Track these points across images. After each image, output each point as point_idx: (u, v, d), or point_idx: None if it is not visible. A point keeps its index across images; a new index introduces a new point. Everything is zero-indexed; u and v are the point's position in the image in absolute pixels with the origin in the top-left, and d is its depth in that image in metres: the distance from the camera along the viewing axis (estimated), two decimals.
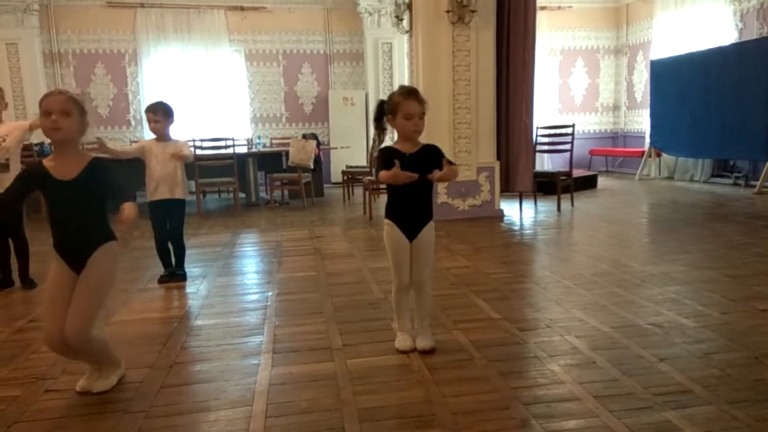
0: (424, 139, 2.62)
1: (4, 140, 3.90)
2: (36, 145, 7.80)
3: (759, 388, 2.19)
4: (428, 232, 2.61)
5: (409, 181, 2.46)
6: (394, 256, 2.62)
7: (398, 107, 2.52)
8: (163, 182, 3.95)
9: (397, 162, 2.45)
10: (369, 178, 6.97)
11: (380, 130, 2.68)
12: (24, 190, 2.30)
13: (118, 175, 2.32)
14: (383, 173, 2.51)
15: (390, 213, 2.62)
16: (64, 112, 2.18)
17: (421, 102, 2.53)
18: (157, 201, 4.00)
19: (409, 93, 2.54)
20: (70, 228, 2.24)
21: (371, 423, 2.03)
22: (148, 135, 4.04)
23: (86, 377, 2.37)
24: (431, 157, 2.58)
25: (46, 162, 2.24)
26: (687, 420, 1.96)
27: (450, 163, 2.54)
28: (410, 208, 2.59)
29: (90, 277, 2.23)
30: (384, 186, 2.61)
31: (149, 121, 3.93)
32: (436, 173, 2.57)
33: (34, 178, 2.26)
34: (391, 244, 2.62)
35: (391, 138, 2.74)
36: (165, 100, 4.03)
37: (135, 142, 8.18)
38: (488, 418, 2.04)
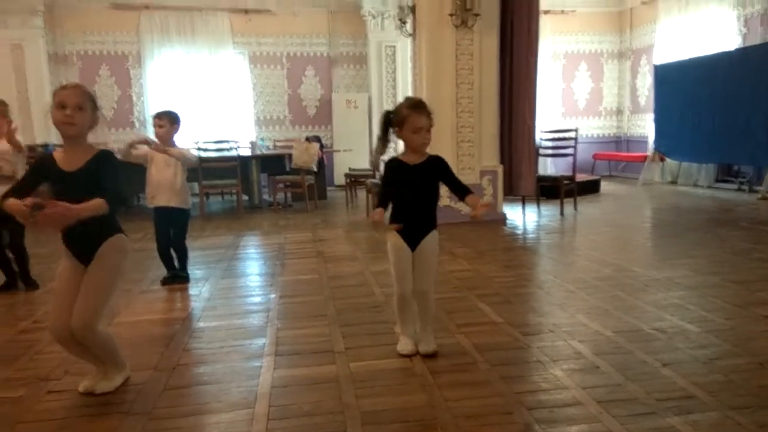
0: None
1: (5, 154, 3.93)
2: (41, 146, 7.84)
3: (763, 394, 2.18)
4: (431, 241, 2.61)
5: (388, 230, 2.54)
6: (396, 264, 2.62)
7: (406, 120, 2.51)
8: (161, 189, 3.96)
9: (392, 226, 2.53)
10: (372, 181, 6.97)
11: (384, 142, 2.64)
12: (34, 180, 2.30)
13: (120, 174, 2.32)
14: (378, 211, 2.54)
15: (394, 222, 2.62)
16: (79, 106, 2.19)
17: (428, 115, 2.53)
18: (158, 208, 4.01)
19: (416, 106, 2.54)
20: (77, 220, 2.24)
21: (373, 426, 2.02)
22: (154, 140, 4.04)
23: (90, 378, 2.38)
24: (436, 170, 2.60)
25: (56, 154, 2.26)
26: (690, 426, 1.95)
27: (462, 193, 2.63)
28: (413, 218, 2.59)
29: (97, 270, 2.25)
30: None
31: (155, 127, 3.96)
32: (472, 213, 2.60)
33: (42, 168, 2.27)
34: (393, 252, 2.62)
35: (394, 149, 2.74)
36: (172, 107, 4.07)
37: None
38: (491, 422, 2.03)
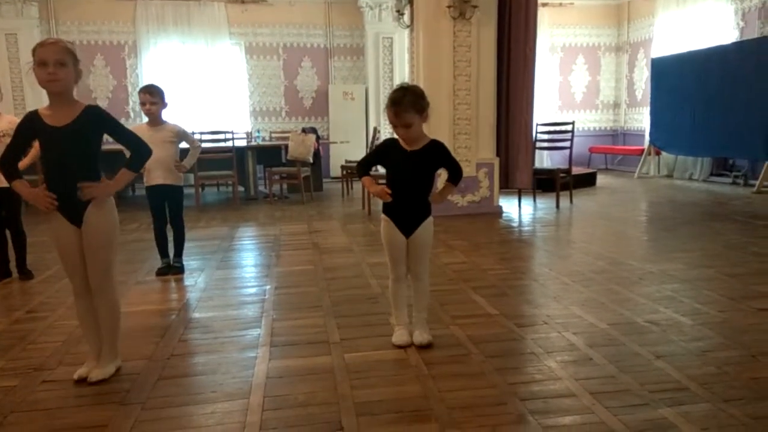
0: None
1: (4, 135, 3.90)
2: None
3: (755, 386, 2.20)
4: (425, 229, 2.61)
5: (384, 199, 2.54)
6: (390, 252, 2.64)
7: (387, 113, 2.52)
8: (158, 167, 3.90)
9: (382, 187, 2.52)
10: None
11: None
12: (23, 140, 2.31)
13: (120, 125, 2.36)
14: (366, 179, 2.61)
15: (387, 209, 2.62)
16: (60, 62, 2.17)
17: (399, 114, 2.43)
18: (153, 186, 3.99)
19: (392, 102, 2.47)
20: (63, 177, 2.24)
21: (368, 417, 2.03)
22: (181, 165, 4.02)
23: (84, 366, 2.38)
24: (436, 155, 2.58)
25: (41, 110, 2.25)
26: (683, 417, 1.97)
27: (452, 180, 2.63)
28: (407, 205, 2.59)
29: (95, 239, 2.29)
30: (383, 182, 2.61)
31: (144, 104, 3.86)
32: (435, 194, 2.63)
33: (29, 127, 2.26)
34: (386, 239, 2.63)
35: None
36: (168, 99, 4.00)
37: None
38: (485, 413, 2.04)
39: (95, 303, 2.37)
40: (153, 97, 3.85)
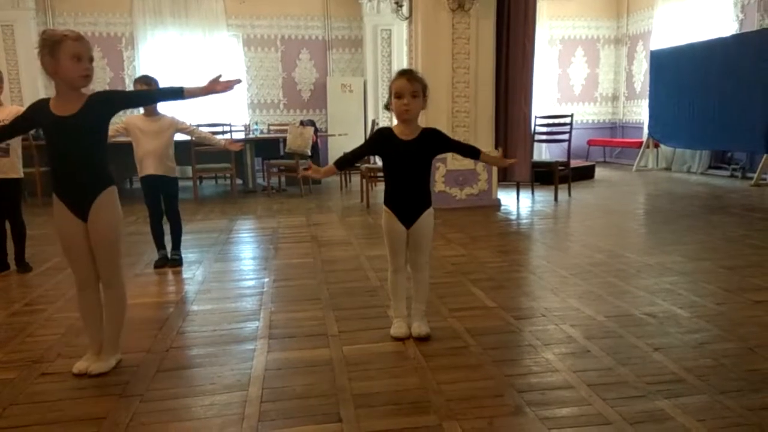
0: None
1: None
2: None
3: (751, 378, 2.21)
4: (426, 219, 2.60)
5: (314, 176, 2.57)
6: (390, 242, 2.64)
7: (391, 88, 2.51)
8: (150, 156, 3.90)
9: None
10: (366, 165, 6.95)
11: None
12: (25, 120, 2.32)
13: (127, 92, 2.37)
14: (329, 168, 2.61)
15: (387, 200, 2.61)
16: (92, 58, 2.21)
17: (411, 80, 2.47)
18: (146, 177, 3.98)
19: (401, 72, 2.53)
20: (70, 167, 2.24)
21: (366, 409, 2.03)
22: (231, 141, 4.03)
23: (84, 359, 2.38)
24: (432, 142, 2.57)
25: (51, 100, 2.25)
26: (680, 409, 1.98)
27: (472, 155, 2.64)
28: (407, 196, 2.58)
29: (102, 233, 2.28)
30: (381, 174, 2.61)
31: None
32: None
33: (36, 111, 2.26)
34: (387, 231, 2.62)
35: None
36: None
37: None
38: (482, 405, 2.05)
39: (105, 296, 2.38)
40: (150, 86, 3.84)
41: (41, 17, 9.28)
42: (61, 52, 2.13)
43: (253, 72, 10.26)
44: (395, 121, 2.63)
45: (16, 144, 3.95)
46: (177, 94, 2.42)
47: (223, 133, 7.38)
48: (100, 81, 9.66)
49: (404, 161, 2.54)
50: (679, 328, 2.73)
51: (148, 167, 3.94)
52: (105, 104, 2.27)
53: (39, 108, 2.25)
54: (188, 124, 4.32)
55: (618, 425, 1.89)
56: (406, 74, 2.50)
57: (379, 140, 2.61)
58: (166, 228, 4.17)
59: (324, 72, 10.51)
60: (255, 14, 10.06)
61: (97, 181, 2.27)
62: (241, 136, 8.32)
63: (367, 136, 8.55)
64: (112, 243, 2.32)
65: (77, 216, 2.27)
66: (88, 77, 2.19)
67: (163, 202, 4.08)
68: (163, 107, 4.04)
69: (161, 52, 9.70)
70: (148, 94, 2.32)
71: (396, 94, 2.48)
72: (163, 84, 3.93)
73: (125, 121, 4.02)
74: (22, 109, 4.00)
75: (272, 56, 10.30)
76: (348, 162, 2.73)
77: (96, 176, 2.27)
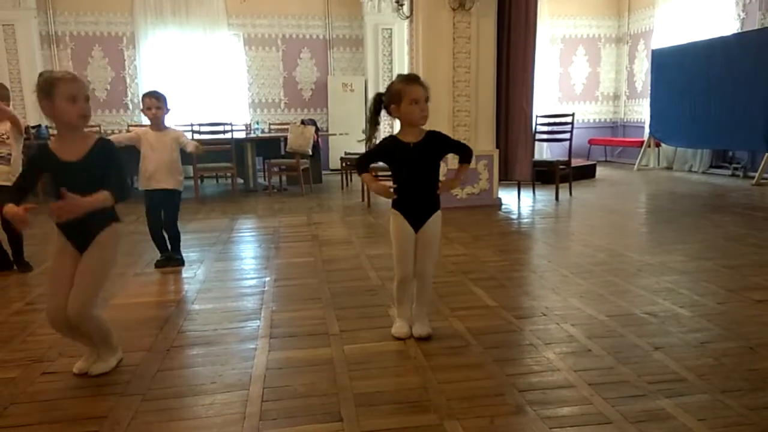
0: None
1: (7, 137, 3.89)
2: (33, 127, 7.77)
3: (752, 377, 2.20)
4: (434, 222, 2.60)
5: (387, 196, 2.56)
6: (399, 246, 2.60)
7: (402, 93, 2.49)
8: (158, 171, 3.93)
9: (383, 184, 2.55)
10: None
11: (374, 125, 2.66)
12: (35, 173, 2.29)
13: (123, 166, 2.32)
14: (366, 176, 2.61)
15: (396, 203, 2.61)
16: (88, 98, 2.19)
17: (423, 86, 2.51)
18: (153, 191, 3.99)
19: (411, 79, 2.53)
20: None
21: (367, 408, 2.04)
22: (147, 120, 4.02)
23: (84, 359, 2.38)
24: (437, 144, 2.58)
25: (51, 144, 2.24)
26: (681, 408, 1.97)
27: (464, 160, 2.62)
28: (416, 198, 2.58)
29: (93, 258, 2.24)
30: (382, 174, 2.61)
31: (149, 108, 3.90)
32: (445, 181, 2.64)
33: (40, 160, 2.24)
34: (396, 233, 2.60)
35: (391, 130, 2.73)
36: (166, 89, 4.09)
37: (133, 126, 8.14)
38: (483, 404, 2.05)
39: (75, 324, 2.26)
40: (159, 101, 3.90)
41: (42, 17, 9.28)
42: (56, 94, 2.12)
43: (254, 71, 10.26)
44: (396, 126, 2.63)
45: (16, 153, 3.97)
46: (123, 197, 2.29)
47: (224, 132, 7.39)
48: (102, 81, 9.68)
49: (412, 165, 2.54)
50: (680, 327, 2.73)
51: (159, 182, 3.95)
52: (107, 156, 2.25)
53: (41, 156, 2.23)
54: (189, 139, 4.29)
55: (619, 424, 1.89)
56: (417, 80, 2.52)
57: (386, 149, 2.60)
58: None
59: (325, 71, 10.50)
60: (256, 13, 10.06)
61: (102, 219, 2.26)
62: (242, 135, 8.31)
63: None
64: (98, 269, 2.25)
65: (76, 248, 2.25)
66: (85, 117, 2.17)
67: (163, 215, 4.09)
68: (171, 117, 4.07)
69: (162, 52, 9.70)
70: (123, 180, 2.28)
71: (414, 100, 2.48)
72: (166, 85, 3.97)
73: (137, 132, 4.04)
74: (20, 119, 4.01)
75: (273, 55, 10.30)
76: (365, 165, 2.68)
77: (99, 215, 2.24)
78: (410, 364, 2.40)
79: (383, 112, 2.62)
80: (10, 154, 3.90)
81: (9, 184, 3.89)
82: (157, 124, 3.96)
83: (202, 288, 3.58)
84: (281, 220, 5.89)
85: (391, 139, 2.59)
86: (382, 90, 2.66)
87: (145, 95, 3.98)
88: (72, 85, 2.14)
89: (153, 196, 4.01)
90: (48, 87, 2.13)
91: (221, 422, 1.97)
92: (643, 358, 2.39)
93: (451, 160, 6.12)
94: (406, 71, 9.17)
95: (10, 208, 2.11)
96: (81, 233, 2.24)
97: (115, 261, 2.37)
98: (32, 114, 8.32)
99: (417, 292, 2.70)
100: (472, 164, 6.17)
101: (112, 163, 2.26)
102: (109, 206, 2.26)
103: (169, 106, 4.00)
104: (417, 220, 2.58)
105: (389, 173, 2.64)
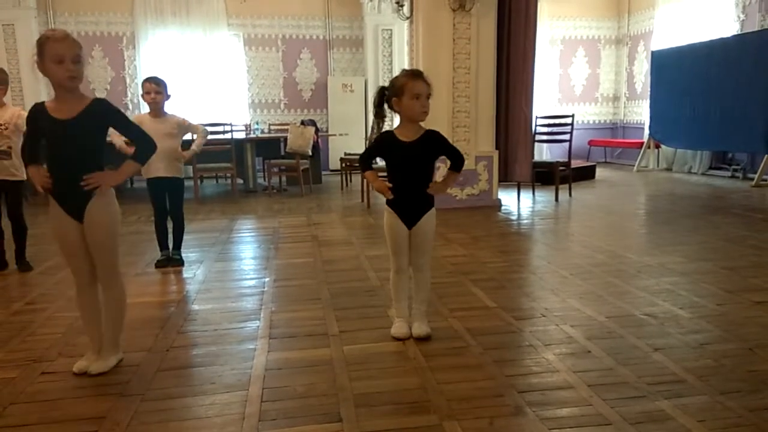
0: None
1: (6, 128, 3.88)
2: None
3: (752, 378, 2.21)
4: (428, 220, 2.60)
5: (386, 196, 2.57)
6: (392, 243, 2.63)
7: (405, 88, 2.49)
8: (159, 159, 3.85)
9: (384, 183, 2.55)
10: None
11: (380, 117, 2.65)
12: (32, 132, 2.31)
13: (129, 120, 2.39)
14: (369, 174, 2.62)
15: (390, 201, 2.61)
16: (77, 58, 2.14)
17: (426, 82, 2.51)
18: (153, 179, 3.98)
19: (415, 74, 2.53)
20: (66, 169, 2.23)
21: (367, 408, 2.04)
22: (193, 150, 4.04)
23: (85, 358, 2.38)
24: (433, 145, 2.57)
25: (48, 103, 2.23)
26: (680, 409, 1.98)
27: (454, 168, 2.61)
28: (409, 196, 2.59)
29: (98, 234, 2.28)
30: (384, 174, 2.61)
31: (149, 93, 3.87)
32: (433, 184, 2.61)
33: (37, 119, 2.23)
34: (389, 231, 2.63)
35: (390, 125, 2.73)
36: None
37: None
38: (483, 405, 2.05)
39: (104, 297, 2.38)
40: (158, 86, 3.87)
41: (42, 17, 9.28)
42: (46, 54, 2.11)
43: (253, 72, 10.26)
44: (396, 122, 2.63)
45: (17, 147, 3.96)
46: (145, 157, 2.40)
47: (224, 132, 7.38)
48: (102, 80, 9.68)
49: (406, 162, 2.54)
50: (680, 328, 2.73)
51: (157, 170, 3.93)
52: (104, 114, 2.24)
53: (37, 115, 2.22)
54: (198, 125, 4.31)
55: (618, 425, 1.89)
56: (421, 76, 2.51)
57: (382, 144, 2.61)
58: (170, 226, 4.17)
59: (325, 72, 10.50)
60: (256, 14, 10.06)
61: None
62: (242, 135, 8.31)
63: (369, 136, 8.56)
64: (107, 244, 2.31)
65: (73, 217, 2.26)
66: (73, 78, 2.14)
67: (168, 203, 4.08)
68: (169, 107, 4.05)
69: (162, 52, 9.70)
70: (137, 136, 2.30)
71: (415, 95, 2.48)
72: (170, 86, 3.96)
73: (135, 118, 4.02)
74: (24, 112, 4.02)
75: (273, 56, 10.30)
76: (367, 162, 2.69)
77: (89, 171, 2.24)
78: (410, 364, 2.40)
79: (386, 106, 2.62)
80: (10, 147, 3.89)
81: (11, 178, 3.91)
82: (157, 110, 3.92)
83: (202, 288, 3.58)
84: (281, 221, 5.89)
85: (388, 134, 2.58)
86: (386, 85, 2.65)
87: (145, 80, 3.95)
88: (58, 45, 2.11)
89: (156, 184, 4.00)
90: (39, 47, 2.13)
91: (221, 423, 1.97)
92: (642, 359, 2.39)
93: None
94: None
95: (32, 169, 2.25)
96: (74, 200, 2.25)
97: (118, 221, 2.38)
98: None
99: (414, 288, 2.70)
100: (472, 165, 6.26)
101: (112, 120, 2.27)
102: (98, 170, 2.25)
103: (169, 93, 3.95)
104: (410, 218, 2.59)
105: (383, 174, 2.64)
